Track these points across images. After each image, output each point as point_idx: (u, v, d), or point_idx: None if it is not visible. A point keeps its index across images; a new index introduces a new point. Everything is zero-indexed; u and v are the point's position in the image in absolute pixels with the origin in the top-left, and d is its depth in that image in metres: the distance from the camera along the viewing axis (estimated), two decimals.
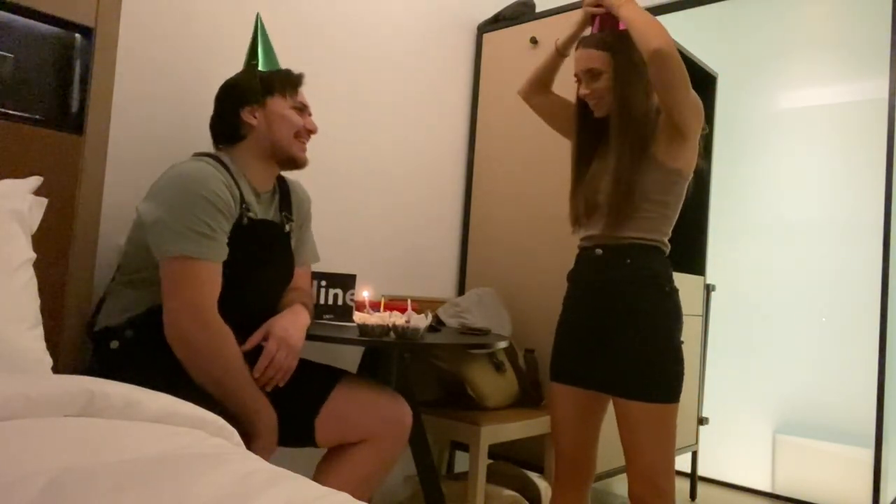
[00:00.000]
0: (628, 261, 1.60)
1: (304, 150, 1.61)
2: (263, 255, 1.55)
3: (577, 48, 1.68)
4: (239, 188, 1.49)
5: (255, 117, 1.56)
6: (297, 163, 1.61)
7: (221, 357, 1.36)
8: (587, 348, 1.63)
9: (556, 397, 1.70)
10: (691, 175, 1.65)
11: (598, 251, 1.64)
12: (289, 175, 1.74)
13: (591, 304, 1.65)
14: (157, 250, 1.37)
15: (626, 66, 1.61)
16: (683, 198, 1.66)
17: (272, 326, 1.46)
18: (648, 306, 1.57)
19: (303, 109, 1.62)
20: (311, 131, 1.62)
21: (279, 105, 1.57)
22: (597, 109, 1.67)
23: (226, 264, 1.42)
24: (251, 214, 1.51)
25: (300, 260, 1.71)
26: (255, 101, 1.56)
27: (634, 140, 1.59)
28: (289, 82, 1.61)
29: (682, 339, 1.61)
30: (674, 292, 1.61)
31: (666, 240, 1.65)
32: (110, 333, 1.42)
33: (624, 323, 1.58)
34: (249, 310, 1.48)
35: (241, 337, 1.46)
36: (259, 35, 1.67)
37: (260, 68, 1.63)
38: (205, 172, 1.41)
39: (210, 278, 1.37)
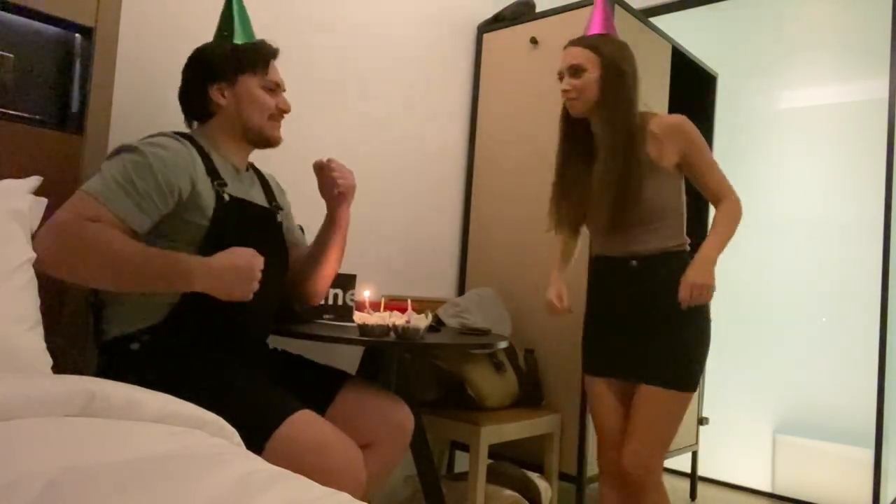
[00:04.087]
0: (664, 271, 1.70)
1: (277, 128, 1.54)
2: (259, 241, 1.46)
3: (564, 47, 1.74)
4: (211, 162, 1.45)
5: (223, 96, 1.48)
6: (270, 142, 1.54)
7: (101, 244, 1.23)
8: (622, 345, 1.74)
9: (595, 389, 1.81)
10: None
11: (633, 262, 1.72)
12: (265, 168, 1.72)
13: (627, 309, 1.73)
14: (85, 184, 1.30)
15: (612, 70, 1.67)
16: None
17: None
18: (682, 312, 1.67)
19: (274, 89, 1.53)
20: (283, 111, 1.54)
21: (250, 84, 1.49)
22: (573, 106, 1.72)
23: (221, 247, 1.36)
24: (230, 191, 1.45)
25: (294, 240, 1.69)
26: (223, 78, 1.48)
27: (625, 146, 1.66)
28: (260, 58, 1.50)
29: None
30: None
31: (686, 238, 1.77)
32: (128, 339, 1.38)
33: (660, 326, 1.69)
34: (256, 297, 1.41)
35: (235, 328, 1.44)
36: (234, 3, 1.55)
37: (235, 41, 1.52)
38: (158, 139, 1.35)
39: (98, 219, 1.25)
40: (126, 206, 1.29)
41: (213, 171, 1.44)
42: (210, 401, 1.07)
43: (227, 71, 1.48)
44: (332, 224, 1.64)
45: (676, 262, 1.70)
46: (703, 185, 1.71)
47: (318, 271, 1.66)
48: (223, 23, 1.55)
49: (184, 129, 1.56)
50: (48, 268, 1.25)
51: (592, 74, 1.68)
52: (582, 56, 1.69)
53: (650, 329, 1.70)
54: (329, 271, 1.68)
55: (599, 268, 1.82)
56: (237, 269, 1.30)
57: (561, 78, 1.73)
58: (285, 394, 1.37)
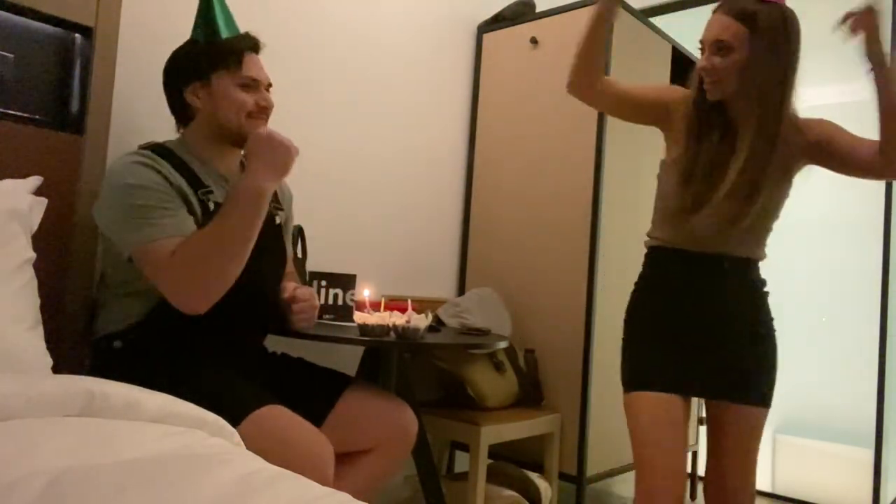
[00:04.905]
0: (753, 278, 1.57)
1: (259, 127, 1.41)
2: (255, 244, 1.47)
3: (714, 10, 1.44)
4: (192, 173, 1.41)
5: (198, 98, 1.43)
6: None
7: (195, 253, 1.28)
8: (706, 357, 1.50)
9: (661, 407, 1.47)
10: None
11: (726, 264, 1.50)
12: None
13: (716, 315, 1.51)
14: (124, 248, 1.32)
15: (764, 50, 1.37)
16: None
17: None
18: (768, 319, 1.60)
19: (251, 84, 1.44)
20: (264, 108, 1.45)
21: (224, 83, 1.42)
22: (711, 90, 1.43)
23: None
24: (217, 198, 1.41)
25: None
26: (196, 78, 1.42)
27: (770, 145, 1.40)
28: (232, 54, 1.42)
29: None
30: None
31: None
32: (112, 337, 1.40)
33: (751, 337, 1.56)
34: (246, 298, 1.42)
35: (237, 326, 1.44)
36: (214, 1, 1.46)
37: (223, 36, 1.45)
38: (125, 166, 1.34)
39: (168, 250, 1.29)
40: (168, 223, 1.30)
41: (195, 182, 1.41)
42: (179, 395, 1.06)
43: (199, 71, 1.43)
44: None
45: (758, 272, 1.56)
46: (854, 147, 1.56)
47: None
48: (197, 21, 1.48)
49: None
50: (189, 305, 1.29)
51: (741, 55, 1.37)
52: (732, 30, 1.36)
53: (745, 340, 1.53)
54: None
55: (681, 265, 1.52)
56: (273, 152, 1.33)
57: (702, 50, 1.44)
58: (256, 389, 1.35)
